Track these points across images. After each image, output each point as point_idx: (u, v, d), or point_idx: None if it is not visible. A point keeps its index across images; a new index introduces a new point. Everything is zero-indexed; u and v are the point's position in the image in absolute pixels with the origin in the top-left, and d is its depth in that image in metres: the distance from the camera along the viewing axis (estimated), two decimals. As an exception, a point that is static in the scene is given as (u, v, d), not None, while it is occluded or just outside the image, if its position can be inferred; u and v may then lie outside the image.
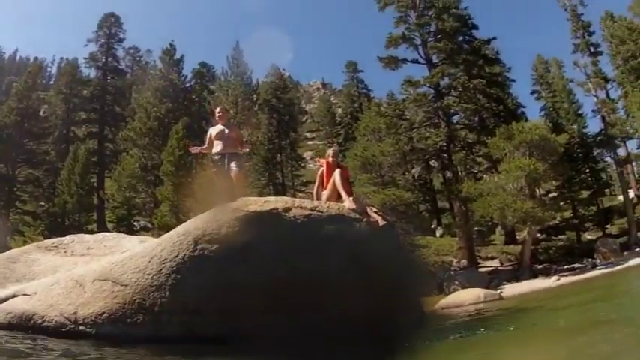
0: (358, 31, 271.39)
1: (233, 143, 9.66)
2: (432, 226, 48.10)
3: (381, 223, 8.55)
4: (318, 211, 7.91)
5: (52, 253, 10.69)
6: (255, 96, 48.52)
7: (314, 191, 9.83)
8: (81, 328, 6.79)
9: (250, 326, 6.46)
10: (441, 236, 44.55)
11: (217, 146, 9.60)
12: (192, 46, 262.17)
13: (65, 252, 10.85)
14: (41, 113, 55.46)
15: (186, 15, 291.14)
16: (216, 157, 9.57)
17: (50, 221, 44.16)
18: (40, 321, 7.21)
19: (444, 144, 36.57)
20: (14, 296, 8.12)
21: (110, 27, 63.95)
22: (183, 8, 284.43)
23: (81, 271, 7.84)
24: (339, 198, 8.76)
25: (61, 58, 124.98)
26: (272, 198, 8.37)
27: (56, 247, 11.18)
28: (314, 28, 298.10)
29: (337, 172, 9.11)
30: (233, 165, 9.38)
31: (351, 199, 8.63)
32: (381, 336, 7.32)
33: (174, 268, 6.72)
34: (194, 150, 10.50)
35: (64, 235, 35.11)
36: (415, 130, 38.09)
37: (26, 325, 7.27)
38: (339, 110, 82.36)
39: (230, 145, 9.57)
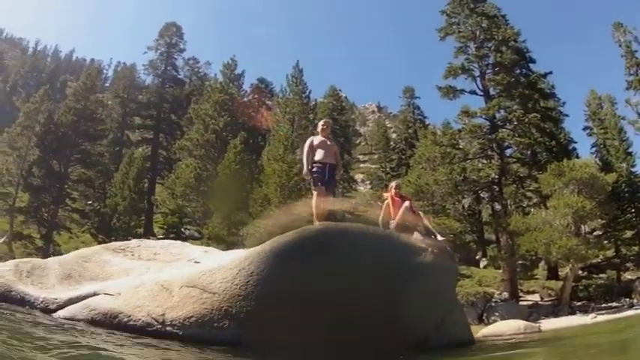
0: (416, 56, 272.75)
1: (333, 156, 10.02)
2: (477, 257, 48.05)
3: (444, 254, 9.61)
4: (390, 238, 8.74)
5: (120, 256, 11.27)
6: (312, 115, 48.85)
7: (380, 220, 10.52)
8: (168, 329, 7.37)
9: (326, 337, 7.02)
10: (485, 267, 44.47)
11: (319, 154, 9.86)
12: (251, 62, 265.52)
13: (132, 255, 11.43)
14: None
15: (247, 32, 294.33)
16: (318, 165, 9.82)
17: (98, 221, 45.18)
18: (125, 320, 7.81)
19: (496, 176, 36.62)
20: (94, 294, 8.76)
21: (171, 36, 65.21)
22: (245, 25, 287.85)
23: (165, 277, 8.43)
24: (406, 227, 9.62)
25: (118, 62, 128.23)
26: (349, 224, 9.21)
27: (123, 249, 11.73)
28: (373, 51, 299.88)
29: (406, 205, 10.12)
30: (330, 188, 9.90)
31: (417, 231, 9.58)
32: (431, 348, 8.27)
33: (261, 281, 7.29)
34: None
35: (112, 235, 36.16)
36: (469, 160, 38.14)
37: (110, 323, 7.88)
38: (394, 135, 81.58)
39: (331, 156, 9.93)
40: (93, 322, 8.12)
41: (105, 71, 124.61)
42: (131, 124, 65.54)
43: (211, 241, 33.38)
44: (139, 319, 7.73)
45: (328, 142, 10.09)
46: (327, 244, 7.76)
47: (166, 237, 39.44)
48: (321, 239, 7.83)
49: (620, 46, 43.66)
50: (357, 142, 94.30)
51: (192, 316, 7.34)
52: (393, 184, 11.29)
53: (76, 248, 42.73)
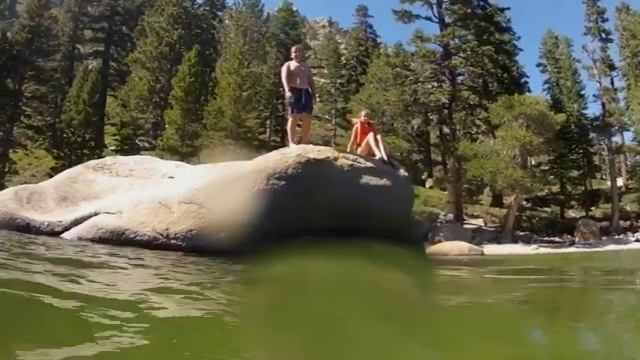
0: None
1: (308, 80, 10.71)
2: (423, 177, 48.95)
3: (402, 174, 10.95)
4: (358, 162, 9.69)
5: (100, 174, 11.76)
6: (264, 29, 48.67)
7: (349, 146, 11.74)
8: (172, 242, 8.27)
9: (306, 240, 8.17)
10: (431, 188, 45.59)
11: (294, 81, 10.47)
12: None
13: (110, 173, 11.92)
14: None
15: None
16: (293, 92, 10.45)
17: (52, 136, 45.13)
18: (132, 236, 8.63)
19: (447, 101, 37.59)
20: (95, 214, 9.45)
21: (125, -53, 63.19)
22: None
23: (161, 195, 9.21)
24: (369, 153, 10.61)
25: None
26: (324, 147, 10.29)
27: (101, 167, 12.17)
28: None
29: (371, 134, 10.92)
30: (307, 111, 10.74)
31: (383, 153, 10.55)
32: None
33: (251, 197, 8.30)
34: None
35: (67, 150, 35.93)
36: (420, 83, 38.66)
37: (118, 239, 8.65)
38: (345, 52, 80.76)
39: (306, 81, 10.59)
40: (101, 240, 8.83)
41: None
42: (82, 37, 64.06)
43: (165, 152, 33.75)
44: (145, 234, 8.57)
45: (302, 68, 10.68)
46: (307, 167, 8.86)
47: (121, 149, 39.64)
48: (302, 162, 8.88)
49: (582, -9, 44.29)
50: (307, 55, 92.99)
51: (192, 230, 8.26)
52: (362, 112, 12.15)
53: (30, 164, 42.49)
